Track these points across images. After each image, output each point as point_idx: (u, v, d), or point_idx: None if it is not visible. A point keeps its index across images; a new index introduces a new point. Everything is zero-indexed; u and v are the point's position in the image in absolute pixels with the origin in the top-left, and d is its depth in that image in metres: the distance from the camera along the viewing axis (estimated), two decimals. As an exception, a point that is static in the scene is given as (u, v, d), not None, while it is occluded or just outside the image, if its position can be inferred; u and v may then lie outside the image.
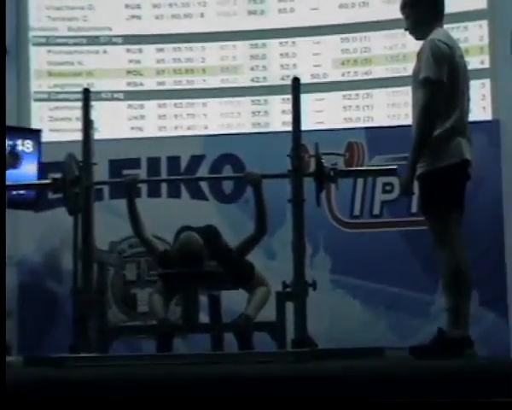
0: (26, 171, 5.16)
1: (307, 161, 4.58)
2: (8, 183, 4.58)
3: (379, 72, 5.90)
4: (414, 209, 5.38)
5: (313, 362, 3.76)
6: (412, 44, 4.50)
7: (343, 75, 5.95)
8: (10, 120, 5.42)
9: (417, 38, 4.01)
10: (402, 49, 5.79)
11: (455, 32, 5.30)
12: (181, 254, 4.23)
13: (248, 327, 4.30)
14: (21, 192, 5.30)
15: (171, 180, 5.92)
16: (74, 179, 4.30)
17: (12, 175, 4.62)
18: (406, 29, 4.05)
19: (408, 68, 5.31)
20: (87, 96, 4.44)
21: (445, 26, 4.03)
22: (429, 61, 3.76)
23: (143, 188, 5.59)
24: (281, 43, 6.03)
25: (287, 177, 4.26)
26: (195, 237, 4.27)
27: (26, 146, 5.46)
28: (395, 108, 5.84)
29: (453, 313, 3.77)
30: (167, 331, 4.34)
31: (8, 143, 5.28)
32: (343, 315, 5.46)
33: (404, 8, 4.03)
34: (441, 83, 3.77)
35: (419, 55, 3.87)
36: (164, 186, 5.82)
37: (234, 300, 4.78)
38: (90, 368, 3.79)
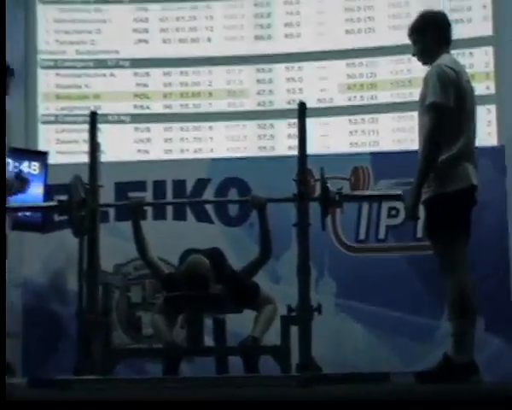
0: (33, 193, 5.16)
1: (313, 185, 4.58)
2: (14, 204, 4.58)
3: (385, 97, 5.91)
4: (419, 234, 5.36)
5: (318, 386, 3.73)
6: (418, 70, 4.52)
7: (349, 100, 5.96)
8: (18, 142, 5.44)
9: (424, 64, 4.02)
10: (407, 75, 5.81)
11: (461, 57, 5.31)
12: (188, 276, 4.21)
13: (254, 350, 4.28)
14: (27, 214, 5.30)
15: (176, 203, 5.92)
16: (80, 202, 4.30)
17: (18, 197, 4.61)
18: (414, 54, 4.06)
19: (413, 93, 5.34)
20: (94, 119, 4.45)
21: (452, 52, 4.04)
22: (436, 86, 3.77)
23: (149, 210, 5.58)
24: (287, 67, 6.05)
25: (292, 201, 4.25)
26: (203, 259, 4.26)
27: (32, 168, 5.46)
28: (400, 133, 5.84)
29: (458, 338, 3.75)
30: (175, 355, 4.30)
31: (14, 165, 5.28)
32: (348, 339, 5.43)
33: (411, 33, 4.04)
34: (448, 108, 3.77)
35: (425, 80, 3.88)
36: (169, 209, 5.81)
37: (238, 323, 4.76)
38: (94, 390, 3.77)
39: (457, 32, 4.26)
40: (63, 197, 4.34)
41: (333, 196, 4.21)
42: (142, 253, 4.46)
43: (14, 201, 4.59)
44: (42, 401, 2.12)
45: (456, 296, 3.76)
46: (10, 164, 5.05)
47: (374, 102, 5.93)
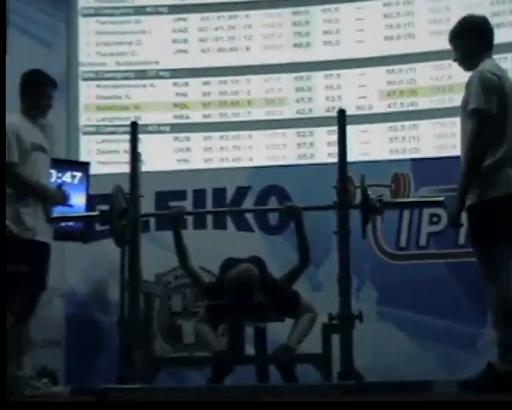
0: (75, 203, 5.20)
1: (353, 192, 4.55)
2: (56, 215, 4.63)
3: (425, 103, 5.86)
4: (461, 241, 5.30)
5: (359, 395, 3.70)
6: (458, 76, 4.47)
7: (389, 106, 5.92)
8: (60, 153, 5.50)
9: (466, 69, 3.97)
10: (448, 81, 5.75)
11: (503, 62, 5.24)
12: (238, 285, 4.20)
13: (292, 359, 4.26)
14: (69, 224, 5.35)
15: (216, 212, 5.93)
16: (121, 211, 4.33)
17: (60, 207, 4.66)
18: (455, 60, 4.02)
19: (454, 99, 5.30)
20: (134, 130, 4.49)
21: (494, 57, 3.99)
22: (478, 91, 3.73)
23: (189, 219, 5.60)
24: (326, 75, 6.03)
25: (332, 209, 4.24)
26: (254, 270, 4.26)
27: (74, 178, 5.52)
28: (441, 139, 5.78)
29: (503, 346, 3.70)
30: (225, 365, 4.28)
31: (57, 176, 5.34)
32: (389, 347, 5.39)
33: (453, 39, 4.00)
34: (490, 114, 3.73)
35: (468, 86, 3.84)
36: (210, 218, 5.83)
37: (279, 331, 4.75)
38: (136, 399, 3.78)
39: (500, 37, 4.21)
40: (104, 207, 4.37)
41: (373, 203, 4.18)
42: (183, 262, 4.47)
43: (56, 211, 4.64)
44: (42, 401, 2.13)
45: (500, 304, 3.71)
46: (53, 175, 5.11)
47: (414, 108, 5.88)
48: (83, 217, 5.26)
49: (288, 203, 4.43)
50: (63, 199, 4.59)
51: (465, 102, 3.84)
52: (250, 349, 4.45)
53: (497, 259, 3.73)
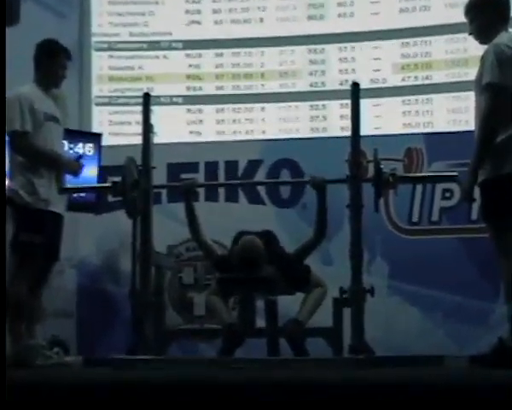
0: (87, 174, 5.21)
1: (365, 166, 4.54)
2: (69, 185, 4.64)
3: (439, 77, 5.82)
4: (474, 216, 5.29)
5: (370, 369, 3.72)
6: (474, 49, 4.44)
7: (403, 80, 5.89)
8: (72, 124, 5.50)
9: (481, 43, 3.94)
10: (463, 54, 5.70)
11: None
12: (241, 257, 4.22)
13: (303, 333, 4.27)
14: (82, 195, 5.37)
15: (229, 184, 5.93)
16: (133, 183, 4.33)
17: (73, 178, 4.68)
18: (470, 33, 3.98)
19: (469, 73, 5.25)
20: (147, 101, 4.48)
21: (511, 31, 3.95)
22: (493, 65, 3.69)
23: (201, 192, 5.61)
24: (340, 48, 5.99)
25: (345, 182, 4.23)
26: (257, 241, 4.26)
27: (86, 149, 5.53)
28: (455, 114, 5.75)
29: None
30: (236, 337, 4.30)
31: (69, 147, 5.35)
32: (400, 322, 5.40)
33: (468, 12, 3.96)
34: (505, 88, 3.70)
35: (482, 59, 3.80)
36: (222, 190, 5.84)
37: (291, 305, 4.76)
38: (147, 370, 3.81)
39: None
40: (117, 178, 4.38)
41: (386, 177, 4.17)
42: (195, 234, 4.48)
43: (69, 182, 4.65)
44: (42, 401, 2.16)
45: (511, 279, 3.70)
46: (66, 145, 5.12)
47: (428, 82, 5.84)
48: (95, 188, 5.27)
49: (314, 175, 4.41)
50: (77, 169, 4.60)
51: (479, 75, 3.81)
52: (261, 322, 4.46)
53: (510, 234, 3.72)
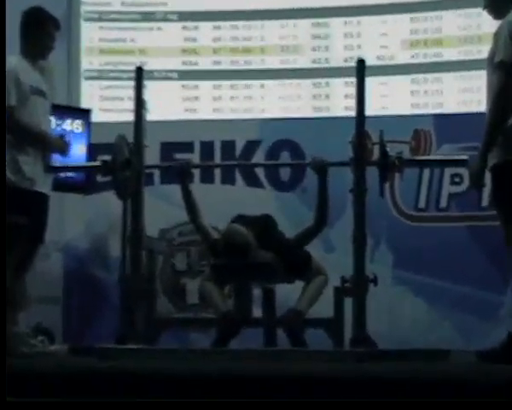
0: (75, 152, 5.21)
1: (370, 148, 4.54)
2: (56, 164, 4.64)
3: (451, 54, 5.81)
4: (484, 203, 5.29)
5: (372, 363, 3.73)
6: (488, 25, 4.43)
7: (411, 57, 5.87)
8: (60, 99, 5.49)
9: (496, 18, 3.93)
10: (477, 31, 5.69)
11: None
12: (225, 246, 4.24)
13: (301, 323, 4.28)
14: (69, 175, 5.36)
15: (226, 165, 5.93)
16: (124, 162, 4.33)
17: (60, 157, 4.67)
18: (484, 8, 3.98)
19: (482, 51, 5.23)
20: (140, 75, 4.47)
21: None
22: (506, 42, 3.69)
23: (196, 173, 5.60)
24: (345, 22, 5.98)
25: (348, 165, 4.23)
26: (239, 229, 4.26)
27: (75, 126, 5.52)
28: (467, 94, 5.74)
29: None
30: (231, 327, 4.31)
31: (56, 123, 5.34)
32: (405, 314, 5.41)
33: (483, -16, 3.95)
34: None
35: (496, 36, 3.80)
36: (218, 172, 5.83)
37: (290, 294, 4.77)
38: (137, 360, 3.82)
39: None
40: (107, 157, 4.38)
41: (392, 160, 4.17)
42: (193, 217, 4.48)
43: (56, 161, 4.64)
44: (42, 402, 2.17)
45: None
46: (53, 121, 5.11)
47: (438, 59, 5.83)
48: (83, 167, 5.27)
49: (315, 156, 4.41)
50: (64, 148, 4.59)
51: (492, 53, 3.80)
52: (258, 312, 4.47)
53: None
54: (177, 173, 4.50)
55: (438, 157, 5.42)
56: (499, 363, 3.55)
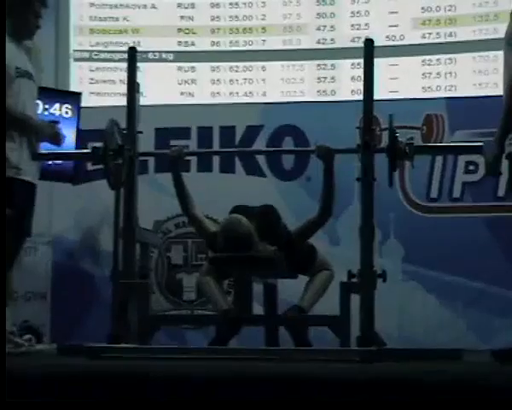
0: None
1: (379, 134, 4.54)
2: (43, 151, 4.64)
3: (465, 33, 5.81)
4: (501, 193, 5.30)
5: (380, 363, 3.74)
6: (506, 1, 4.43)
7: (423, 37, 5.87)
8: (47, 82, 5.49)
9: None
10: (493, 8, 5.68)
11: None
12: (225, 238, 4.23)
13: (305, 321, 4.29)
14: (58, 162, 5.36)
15: (224, 153, 5.93)
16: (117, 149, 4.33)
17: (50, 144, 4.66)
18: None
19: (499, 30, 5.23)
20: (133, 56, 4.47)
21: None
22: None
23: (193, 161, 5.61)
24: (352, -1, 5.98)
25: (355, 152, 4.23)
26: (241, 220, 4.26)
27: (64, 111, 5.52)
28: (482, 76, 5.74)
29: None
30: (231, 325, 4.32)
31: (44, 107, 5.34)
32: (416, 311, 5.42)
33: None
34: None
35: None
36: (216, 160, 5.84)
37: (292, 289, 4.79)
38: (129, 360, 3.83)
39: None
40: (97, 144, 4.38)
41: (402, 147, 4.17)
42: (185, 208, 4.48)
43: (44, 148, 4.64)
44: (42, 402, 2.18)
45: None
46: (40, 106, 5.11)
47: (452, 39, 5.83)
48: (73, 155, 5.27)
49: (320, 143, 4.41)
50: (54, 135, 4.58)
51: (509, 32, 3.80)
52: (259, 309, 4.49)
53: None
54: (171, 161, 4.50)
55: (451, 144, 5.42)
56: None
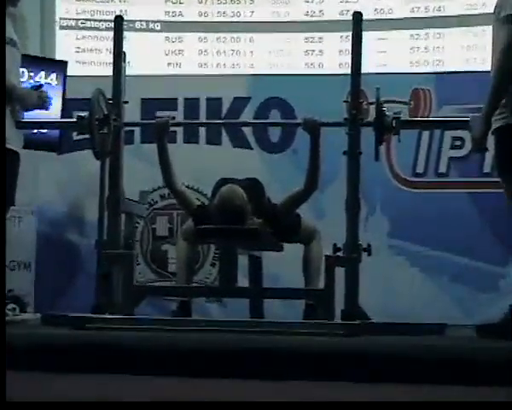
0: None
1: (366, 108, 4.53)
2: (27, 119, 4.60)
3: (453, 8, 5.79)
4: (487, 169, 5.30)
5: (364, 337, 3.75)
6: (494, -23, 4.39)
7: (411, 11, 5.85)
8: (32, 50, 5.44)
9: None
10: (482, -18, 5.67)
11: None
12: (222, 209, 4.21)
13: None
14: (43, 131, 5.33)
15: (211, 124, 5.89)
16: (102, 119, 4.31)
17: (32, 113, 4.62)
18: None
19: (487, 4, 5.23)
20: (119, 25, 4.44)
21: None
22: None
23: (179, 132, 5.59)
24: (341, -29, 5.94)
25: (342, 125, 4.22)
26: (239, 191, 4.25)
27: (49, 79, 5.47)
28: (470, 51, 5.73)
29: None
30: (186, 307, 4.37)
31: (29, 75, 5.29)
32: (401, 285, 5.43)
33: None
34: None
35: None
36: (202, 131, 5.81)
37: (276, 263, 4.79)
38: (113, 331, 3.83)
39: None
40: (83, 113, 4.35)
41: (389, 121, 4.17)
42: (168, 180, 4.45)
43: (28, 116, 4.60)
44: (42, 402, 2.18)
45: None
46: (25, 74, 5.06)
47: (440, 14, 5.81)
48: (58, 123, 5.24)
49: (307, 116, 4.40)
50: (39, 101, 4.54)
51: (498, 8, 3.79)
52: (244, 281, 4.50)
53: None
54: (156, 132, 4.47)
55: (438, 118, 5.41)
56: (499, 338, 3.58)
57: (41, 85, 4.67)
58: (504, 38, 3.70)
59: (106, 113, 4.33)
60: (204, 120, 5.80)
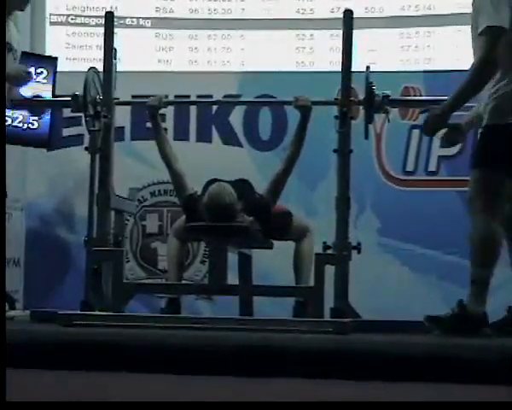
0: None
1: (356, 107, 4.54)
2: (19, 98, 4.58)
3: (444, 6, 5.80)
4: (477, 167, 5.31)
5: (354, 335, 3.76)
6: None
7: (402, 9, 5.86)
8: (23, 46, 5.42)
9: None
10: (474, -19, 5.67)
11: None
12: (211, 207, 4.21)
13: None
14: (32, 127, 5.32)
15: (203, 103, 5.75)
16: (97, 98, 4.30)
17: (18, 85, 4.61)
18: None
19: (478, 4, 5.22)
20: (110, 22, 4.44)
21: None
22: (487, 7, 3.68)
23: (169, 130, 5.58)
24: (332, -30, 5.94)
25: (333, 104, 4.24)
26: (228, 188, 4.25)
27: (39, 75, 5.46)
28: (460, 50, 5.73)
29: (478, 286, 3.77)
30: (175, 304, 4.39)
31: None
32: (391, 283, 5.44)
33: None
34: (504, 30, 3.69)
35: (475, 1, 3.80)
36: (193, 129, 5.81)
37: (267, 261, 4.79)
38: (103, 328, 3.83)
39: None
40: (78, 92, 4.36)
41: (378, 99, 4.18)
42: (167, 160, 4.45)
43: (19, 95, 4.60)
44: (42, 402, 2.19)
45: (478, 238, 3.76)
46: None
47: (431, 12, 5.82)
48: (51, 102, 5.23)
49: (299, 95, 4.42)
50: (26, 76, 4.53)
51: (474, 18, 3.79)
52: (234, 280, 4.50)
53: (490, 187, 3.76)
54: (148, 111, 4.49)
55: (427, 98, 5.37)
56: (445, 333, 3.63)
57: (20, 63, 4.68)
58: (481, 50, 3.72)
59: (99, 94, 4.32)
60: (196, 99, 5.72)
